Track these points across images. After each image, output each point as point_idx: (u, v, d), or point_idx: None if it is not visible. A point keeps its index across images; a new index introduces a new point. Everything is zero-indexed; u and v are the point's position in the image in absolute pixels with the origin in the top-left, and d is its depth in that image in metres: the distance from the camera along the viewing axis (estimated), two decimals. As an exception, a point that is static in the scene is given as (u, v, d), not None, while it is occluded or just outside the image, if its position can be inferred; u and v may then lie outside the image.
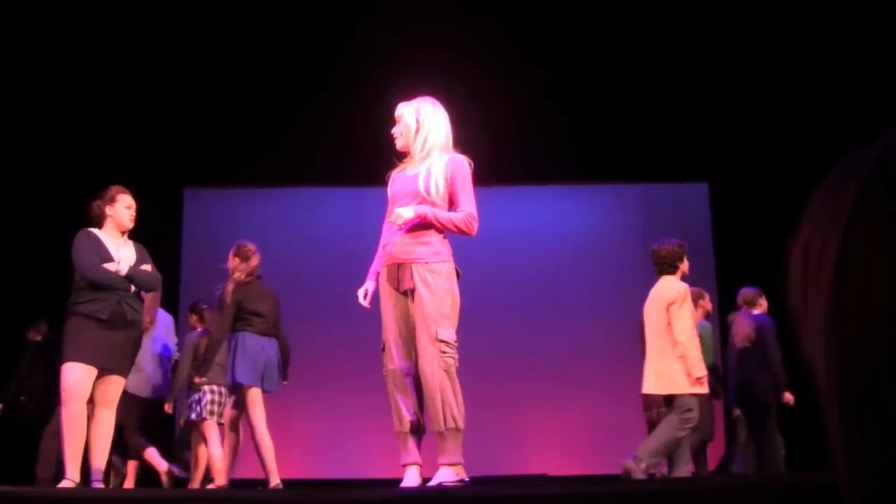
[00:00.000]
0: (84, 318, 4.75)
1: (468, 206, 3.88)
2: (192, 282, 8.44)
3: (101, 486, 4.83)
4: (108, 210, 4.99)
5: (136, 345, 5.00)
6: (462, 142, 8.03)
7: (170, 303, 8.08)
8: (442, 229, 3.91)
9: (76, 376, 4.67)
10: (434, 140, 3.98)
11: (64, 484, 4.59)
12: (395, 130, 4.10)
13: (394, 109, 4.18)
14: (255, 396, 5.50)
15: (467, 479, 3.75)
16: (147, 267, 5.03)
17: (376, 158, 8.02)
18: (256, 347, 5.55)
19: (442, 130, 4.02)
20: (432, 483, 3.79)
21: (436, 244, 3.90)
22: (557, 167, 8.36)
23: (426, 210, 3.86)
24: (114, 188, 5.05)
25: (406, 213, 3.85)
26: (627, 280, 8.44)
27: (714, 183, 8.55)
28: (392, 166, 4.21)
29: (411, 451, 3.98)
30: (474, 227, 3.89)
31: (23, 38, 7.32)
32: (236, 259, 5.80)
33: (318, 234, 8.52)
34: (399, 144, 4.08)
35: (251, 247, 5.81)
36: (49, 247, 7.20)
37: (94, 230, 4.98)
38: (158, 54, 7.72)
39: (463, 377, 7.72)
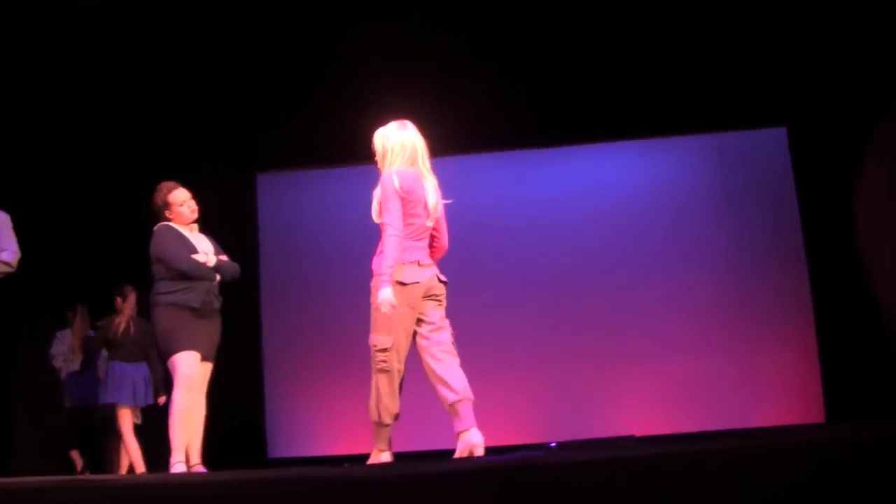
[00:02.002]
0: (176, 308, 4.88)
1: (385, 222, 4.30)
2: (270, 267, 8.57)
3: (203, 469, 4.95)
4: (168, 213, 5.10)
5: (220, 333, 5.11)
6: (528, 101, 7.96)
7: (250, 289, 8.22)
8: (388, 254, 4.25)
9: (192, 364, 4.83)
10: (395, 160, 4.40)
11: (177, 468, 4.73)
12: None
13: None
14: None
15: (554, 445, 3.76)
16: (224, 257, 5.15)
17: (444, 130, 8.04)
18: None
19: (404, 151, 4.42)
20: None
21: (374, 263, 4.36)
22: (628, 122, 8.16)
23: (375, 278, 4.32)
24: (164, 188, 5.12)
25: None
26: (708, 233, 8.27)
27: (793, 127, 8.21)
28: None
29: None
30: (390, 242, 4.25)
31: (97, 27, 7.44)
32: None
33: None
34: (380, 168, 4.50)
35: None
36: (121, 234, 7.39)
37: (171, 224, 5.08)
38: (224, 41, 7.78)
39: (546, 339, 7.71)
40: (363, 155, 8.33)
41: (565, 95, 8.08)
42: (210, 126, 8.16)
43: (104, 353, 7.14)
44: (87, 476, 6.60)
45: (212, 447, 5.35)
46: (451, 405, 4.21)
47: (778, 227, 8.21)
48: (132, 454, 6.75)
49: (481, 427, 4.30)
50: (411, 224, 4.33)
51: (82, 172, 8.15)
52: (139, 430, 7.03)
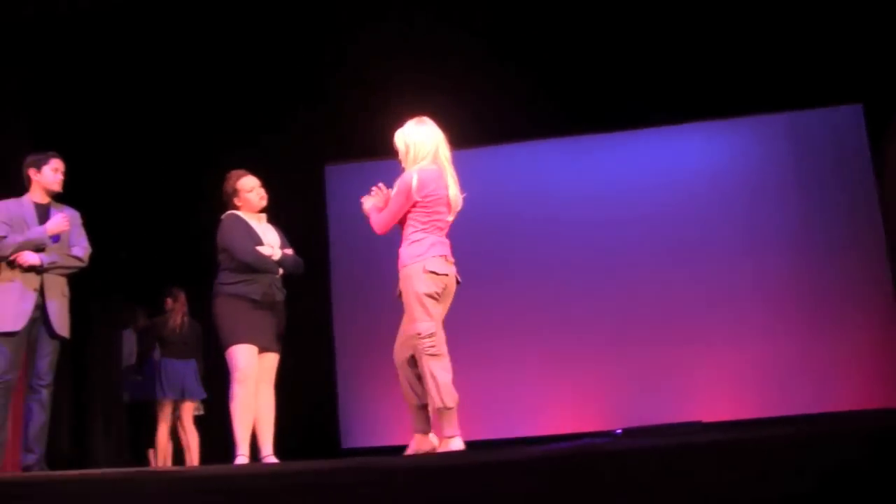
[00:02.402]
0: (236, 299, 4.89)
1: (382, 214, 4.65)
2: (340, 258, 8.66)
3: (275, 460, 4.94)
4: (237, 201, 5.13)
5: (284, 324, 5.11)
6: (598, 84, 7.85)
7: (321, 280, 8.32)
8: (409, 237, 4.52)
9: (247, 357, 4.83)
10: (418, 155, 4.59)
11: (239, 460, 4.74)
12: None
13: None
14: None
15: (619, 432, 3.74)
16: (288, 251, 5.15)
17: (512, 115, 8.03)
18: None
19: (425, 147, 4.60)
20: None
21: (402, 253, 4.52)
22: (697, 103, 8.00)
23: (369, 204, 4.76)
24: (233, 175, 5.16)
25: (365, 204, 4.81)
26: (783, 214, 8.10)
27: (869, 104, 7.95)
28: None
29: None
30: (376, 220, 4.67)
31: (164, 19, 7.56)
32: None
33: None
34: (404, 167, 4.65)
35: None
36: (190, 226, 7.55)
37: (239, 213, 5.12)
38: (290, 34, 7.86)
39: (612, 325, 7.60)
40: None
41: (634, 78, 7.96)
42: (278, 118, 8.26)
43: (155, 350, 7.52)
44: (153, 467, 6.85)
45: (286, 438, 5.40)
46: (426, 407, 4.48)
47: (855, 206, 8.00)
48: (188, 444, 7.26)
49: (550, 414, 4.32)
50: (434, 221, 4.54)
51: (146, 167, 8.32)
52: (199, 421, 7.41)
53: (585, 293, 8.12)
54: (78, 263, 5.26)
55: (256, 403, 4.90)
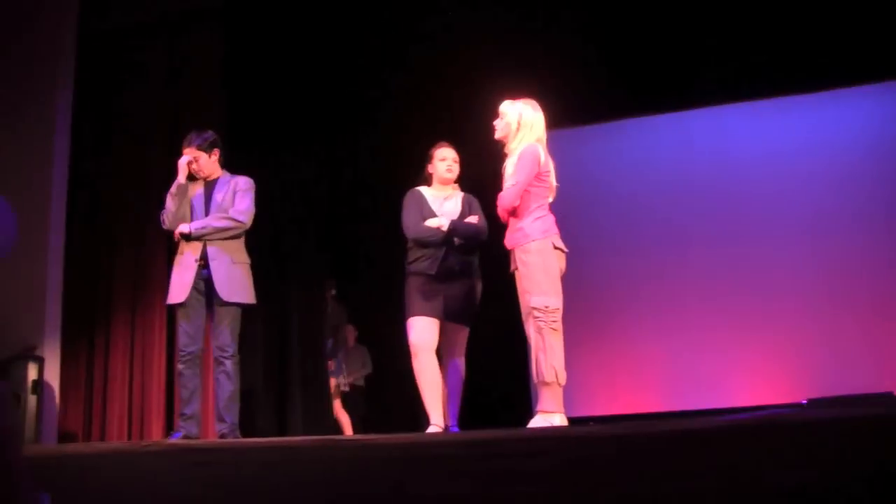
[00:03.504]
0: (416, 276, 5.00)
1: (517, 178, 4.50)
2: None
3: (458, 430, 4.99)
4: (430, 168, 5.28)
5: (475, 294, 5.10)
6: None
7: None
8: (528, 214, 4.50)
9: (419, 330, 4.93)
10: (534, 135, 4.59)
11: (431, 429, 4.84)
12: (496, 123, 4.69)
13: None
14: None
15: (805, 402, 3.67)
16: (473, 218, 5.13)
17: (698, 78, 7.81)
18: None
19: (536, 130, 4.61)
20: None
21: (526, 228, 4.49)
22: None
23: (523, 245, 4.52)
24: (437, 144, 5.28)
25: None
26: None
27: None
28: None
29: None
30: (501, 203, 4.53)
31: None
32: None
33: (651, 165, 8.42)
34: (497, 136, 4.69)
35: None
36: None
37: (421, 188, 5.21)
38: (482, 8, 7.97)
39: (796, 292, 7.24)
40: (596, 116, 8.36)
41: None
42: (468, 94, 8.36)
43: None
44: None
45: (487, 407, 5.44)
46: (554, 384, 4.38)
47: None
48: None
49: (733, 385, 4.25)
50: (547, 200, 4.59)
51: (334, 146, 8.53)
52: (365, 393, 8.15)
53: (770, 261, 7.87)
54: (235, 224, 5.22)
55: (444, 375, 4.97)
